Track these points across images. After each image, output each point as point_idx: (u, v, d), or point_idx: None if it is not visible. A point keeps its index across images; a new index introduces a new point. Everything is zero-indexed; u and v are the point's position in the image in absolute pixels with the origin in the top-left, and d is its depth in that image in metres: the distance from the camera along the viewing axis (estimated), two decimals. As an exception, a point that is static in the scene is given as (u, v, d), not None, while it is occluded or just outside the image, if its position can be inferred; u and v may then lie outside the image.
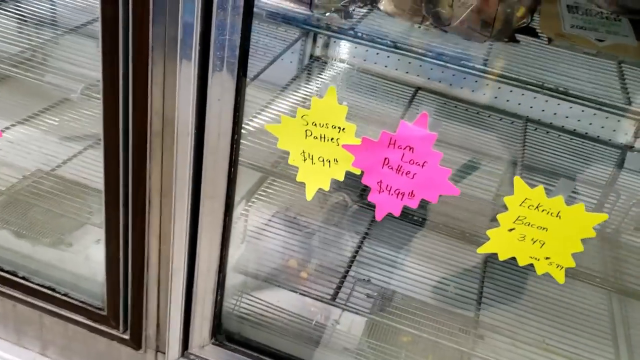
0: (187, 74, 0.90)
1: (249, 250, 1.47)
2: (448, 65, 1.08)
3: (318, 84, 1.64)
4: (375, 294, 1.49)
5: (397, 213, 0.90)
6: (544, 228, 0.86)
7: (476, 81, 1.61)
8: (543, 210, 0.85)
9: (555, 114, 1.54)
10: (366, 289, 1.49)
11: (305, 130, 0.90)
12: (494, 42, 1.05)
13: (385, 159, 0.87)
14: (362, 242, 1.53)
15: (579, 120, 1.53)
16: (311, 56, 1.70)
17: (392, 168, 0.87)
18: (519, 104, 1.58)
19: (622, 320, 1.42)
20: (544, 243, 0.87)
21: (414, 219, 1.58)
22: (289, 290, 1.36)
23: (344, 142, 0.88)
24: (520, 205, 0.86)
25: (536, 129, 1.53)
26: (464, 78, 1.61)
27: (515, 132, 1.56)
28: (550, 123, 1.54)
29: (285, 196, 1.69)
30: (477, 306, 1.40)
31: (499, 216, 0.88)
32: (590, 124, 1.52)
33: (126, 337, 1.23)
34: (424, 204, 0.88)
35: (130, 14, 0.88)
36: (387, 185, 0.89)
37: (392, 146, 0.86)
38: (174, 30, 0.88)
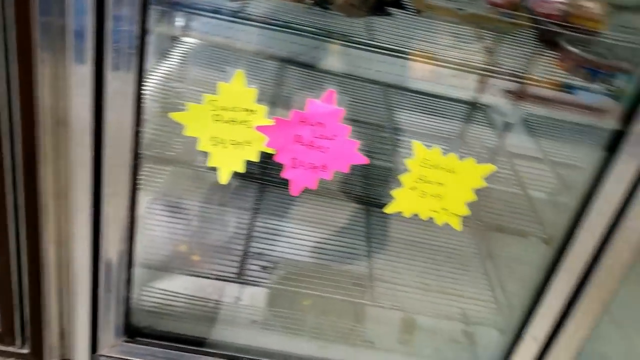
0: (80, 69, 0.86)
1: (142, 241, 1.43)
2: (319, 38, 1.14)
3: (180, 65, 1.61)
4: (271, 265, 1.54)
5: (313, 187, 0.94)
6: (441, 184, 0.96)
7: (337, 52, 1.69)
8: (440, 168, 0.95)
9: (419, 79, 1.68)
10: (262, 262, 1.54)
11: (214, 116, 0.90)
12: (371, 17, 1.13)
13: (298, 135, 0.91)
14: (253, 217, 1.56)
15: (441, 84, 1.68)
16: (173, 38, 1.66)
17: (304, 144, 0.92)
18: (378, 71, 1.69)
19: (488, 254, 1.63)
20: (442, 197, 0.98)
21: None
22: (190, 275, 1.36)
23: (256, 123, 0.90)
24: (420, 165, 0.95)
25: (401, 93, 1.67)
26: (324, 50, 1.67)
27: (380, 98, 1.68)
28: (411, 88, 1.68)
29: (160, 181, 1.66)
30: (367, 260, 1.51)
31: (401, 177, 0.96)
32: (452, 86, 1.68)
33: (25, 351, 1.16)
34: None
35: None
36: (301, 161, 0.93)
37: (303, 124, 0.90)
38: (63, 20, 0.83)
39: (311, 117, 0.90)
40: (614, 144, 0.95)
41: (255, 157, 0.93)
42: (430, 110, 1.77)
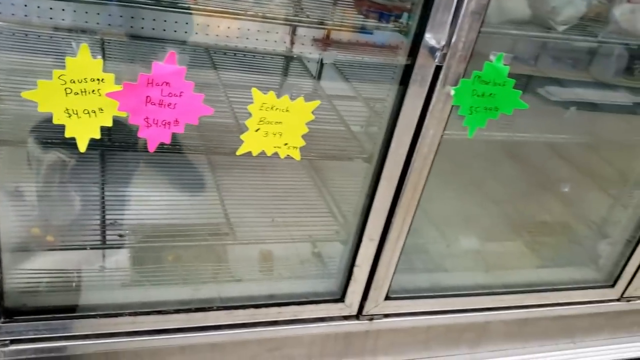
0: None
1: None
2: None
3: None
4: (127, 231, 1.62)
5: (167, 141, 1.06)
6: (279, 122, 1.14)
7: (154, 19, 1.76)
8: (276, 109, 1.12)
9: (237, 37, 1.81)
10: (118, 229, 1.61)
11: (65, 89, 0.97)
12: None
13: (147, 97, 1.02)
14: (102, 187, 1.61)
15: (256, 39, 1.83)
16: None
17: (154, 104, 1.03)
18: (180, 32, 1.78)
19: (322, 183, 1.86)
20: (281, 134, 1.15)
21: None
22: (53, 250, 1.40)
23: (106, 90, 0.99)
24: (260, 109, 1.11)
25: (225, 53, 1.79)
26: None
27: (205, 60, 1.80)
28: (235, 46, 1.81)
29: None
30: (223, 211, 1.65)
31: (246, 122, 1.12)
32: (266, 40, 1.85)
33: None
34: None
35: None
36: (154, 120, 1.04)
37: (150, 85, 1.01)
38: None
39: (157, 77, 1.01)
40: (405, 78, 1.18)
41: (109, 122, 1.02)
42: (251, 66, 1.93)
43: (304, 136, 1.18)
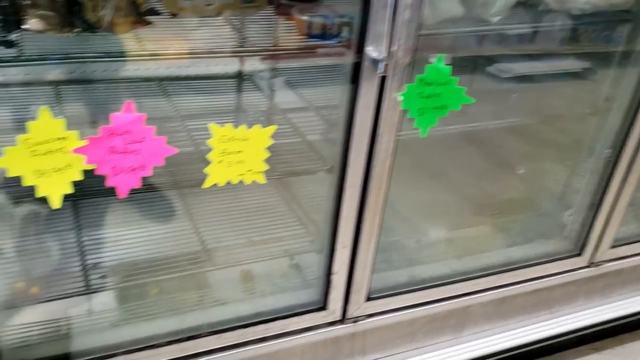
0: None
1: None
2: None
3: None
4: (108, 271, 1.65)
5: (138, 185, 1.10)
6: (240, 151, 1.19)
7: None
8: (236, 140, 1.17)
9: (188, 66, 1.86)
10: (98, 271, 1.64)
11: (31, 152, 1.01)
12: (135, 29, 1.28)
13: (111, 147, 1.06)
14: (78, 232, 1.64)
15: (206, 66, 1.88)
16: None
17: (119, 153, 1.07)
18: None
19: (291, 198, 1.91)
20: (244, 161, 1.20)
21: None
22: (40, 303, 1.42)
23: (71, 147, 1.03)
24: (220, 142, 1.16)
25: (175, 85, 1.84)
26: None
27: (157, 91, 1.84)
28: (186, 75, 1.85)
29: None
30: (198, 238, 1.70)
31: (208, 155, 1.17)
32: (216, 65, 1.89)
33: None
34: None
35: None
36: (121, 167, 1.08)
37: (112, 135, 1.05)
38: None
39: (118, 128, 1.05)
40: (355, 76, 1.24)
41: (79, 176, 1.06)
42: (205, 90, 1.98)
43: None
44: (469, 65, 2.28)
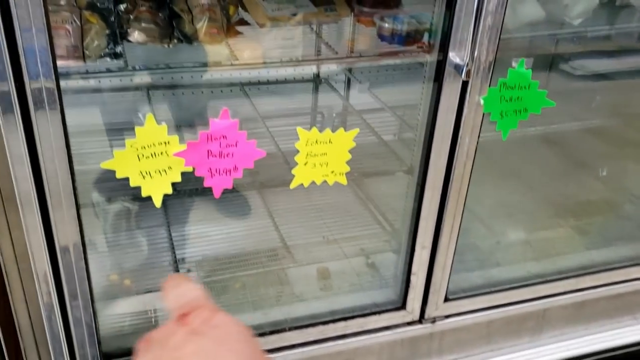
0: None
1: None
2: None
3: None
4: (193, 265, 1.74)
5: (230, 186, 1.17)
6: (325, 153, 1.24)
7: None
8: (320, 142, 1.22)
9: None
10: (185, 266, 1.73)
11: (137, 155, 1.09)
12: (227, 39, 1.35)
13: (208, 151, 1.13)
14: (169, 229, 1.74)
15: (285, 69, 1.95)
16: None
17: (215, 156, 1.14)
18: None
19: (367, 197, 1.95)
20: (327, 163, 1.25)
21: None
22: (141, 294, 1.53)
23: (173, 151, 1.11)
24: (306, 145, 1.21)
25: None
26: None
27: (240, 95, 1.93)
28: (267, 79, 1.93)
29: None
30: (279, 236, 1.77)
31: (295, 157, 1.22)
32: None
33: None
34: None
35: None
36: (217, 169, 1.15)
37: (210, 140, 1.12)
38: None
39: (215, 133, 1.12)
40: (437, 78, 1.26)
41: (178, 178, 1.14)
42: (282, 92, 2.05)
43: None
44: (543, 63, 2.25)
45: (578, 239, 2.01)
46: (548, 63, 2.26)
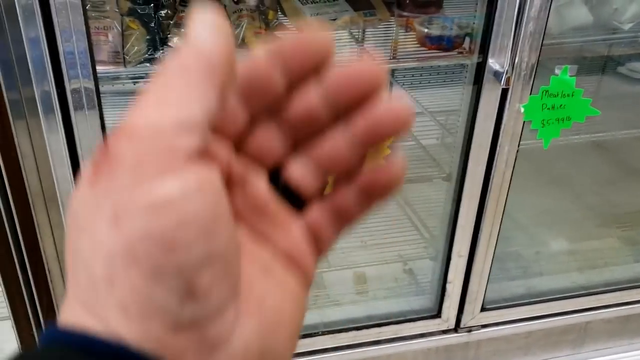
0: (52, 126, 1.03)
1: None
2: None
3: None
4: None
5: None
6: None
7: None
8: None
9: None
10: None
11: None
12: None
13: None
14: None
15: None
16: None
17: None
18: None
19: (405, 202, 1.93)
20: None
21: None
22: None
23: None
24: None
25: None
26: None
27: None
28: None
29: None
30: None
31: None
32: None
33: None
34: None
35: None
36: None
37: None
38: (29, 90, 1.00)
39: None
40: (476, 84, 1.24)
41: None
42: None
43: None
44: (597, 66, 2.18)
45: (626, 250, 1.94)
46: (601, 66, 2.19)
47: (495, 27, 1.15)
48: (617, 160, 2.28)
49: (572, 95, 1.27)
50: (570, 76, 1.24)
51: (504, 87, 1.19)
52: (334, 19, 1.40)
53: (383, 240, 1.85)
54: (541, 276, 1.78)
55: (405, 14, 1.44)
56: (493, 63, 1.19)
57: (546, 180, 2.17)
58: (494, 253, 1.48)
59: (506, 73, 1.17)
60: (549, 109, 1.27)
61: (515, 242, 1.92)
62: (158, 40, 1.23)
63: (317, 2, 1.44)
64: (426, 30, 1.35)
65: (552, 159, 2.03)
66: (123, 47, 1.16)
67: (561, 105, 1.28)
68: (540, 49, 1.20)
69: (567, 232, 1.99)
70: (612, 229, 2.01)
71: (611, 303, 1.68)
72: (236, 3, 1.27)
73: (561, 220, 2.05)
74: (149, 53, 1.20)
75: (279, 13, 1.42)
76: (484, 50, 1.19)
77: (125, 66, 1.18)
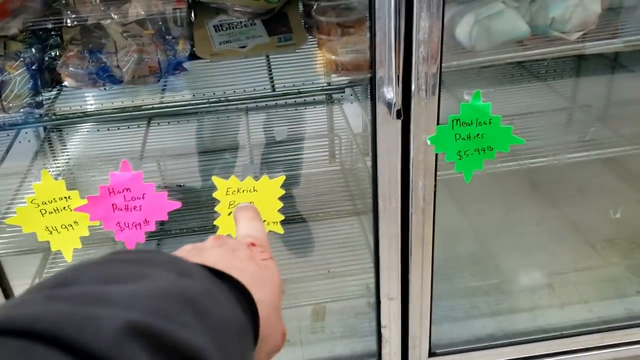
0: None
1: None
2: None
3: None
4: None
5: (142, 240, 1.11)
6: (251, 202, 1.14)
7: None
8: (243, 191, 1.12)
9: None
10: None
11: (40, 210, 1.07)
12: (167, 77, 1.30)
13: (113, 204, 1.08)
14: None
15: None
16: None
17: (121, 209, 1.08)
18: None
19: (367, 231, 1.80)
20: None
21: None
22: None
23: (74, 205, 1.07)
24: (226, 194, 1.12)
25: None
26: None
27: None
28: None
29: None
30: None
31: (216, 208, 1.14)
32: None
33: None
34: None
35: None
36: (125, 223, 1.10)
37: (113, 194, 1.07)
38: None
39: (116, 186, 1.06)
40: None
41: (86, 232, 1.10)
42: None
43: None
44: (607, 63, 1.95)
45: (618, 282, 1.72)
46: (611, 64, 1.96)
47: (378, 54, 1.03)
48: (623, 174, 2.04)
49: (490, 123, 1.12)
50: (484, 102, 1.10)
51: (396, 118, 1.06)
52: (243, 47, 1.32)
53: (350, 270, 1.73)
54: (511, 314, 1.60)
55: (323, 37, 1.33)
56: (385, 92, 1.07)
57: (511, 200, 1.97)
58: (432, 293, 1.33)
59: (394, 105, 1.04)
60: (463, 139, 1.13)
61: (481, 276, 1.74)
62: (45, 82, 1.19)
63: (233, 28, 1.36)
64: (334, 57, 1.24)
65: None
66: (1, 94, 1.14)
67: (478, 135, 1.13)
68: (440, 72, 1.06)
69: (540, 263, 1.79)
70: (597, 257, 1.80)
71: (589, 346, 1.49)
72: (125, 39, 1.22)
73: (533, 247, 1.84)
74: (30, 97, 1.17)
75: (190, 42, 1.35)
76: (371, 82, 1.06)
77: (6, 112, 1.15)
